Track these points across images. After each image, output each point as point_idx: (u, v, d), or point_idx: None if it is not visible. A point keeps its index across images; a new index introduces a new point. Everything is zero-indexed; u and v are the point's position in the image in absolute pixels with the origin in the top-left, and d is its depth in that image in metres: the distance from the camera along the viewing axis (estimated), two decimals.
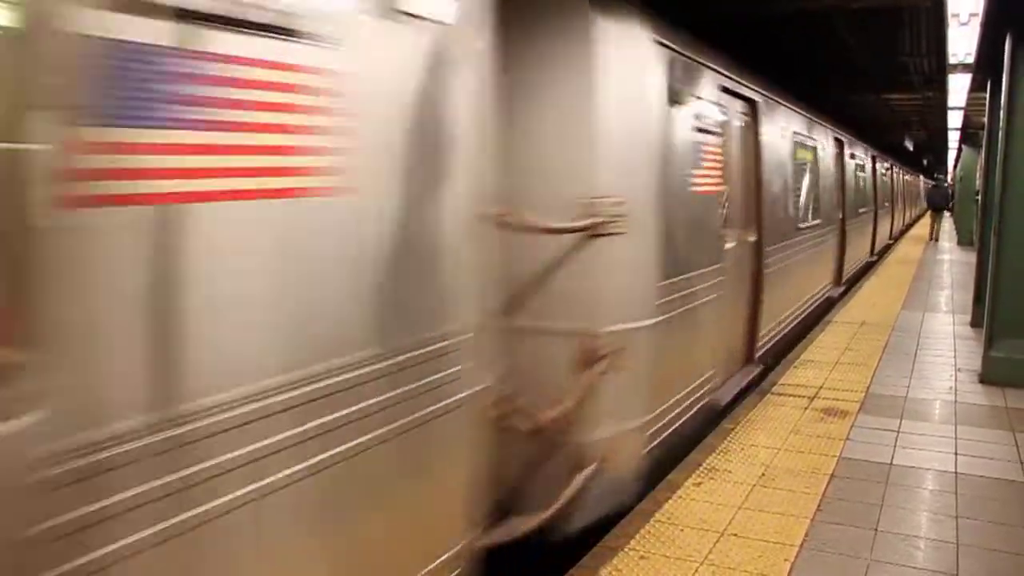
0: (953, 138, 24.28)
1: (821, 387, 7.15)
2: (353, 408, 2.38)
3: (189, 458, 1.87)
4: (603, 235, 4.05)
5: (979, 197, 21.30)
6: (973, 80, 10.80)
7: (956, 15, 6.95)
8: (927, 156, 39.02)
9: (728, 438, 5.77)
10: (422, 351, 2.66)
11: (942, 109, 16.15)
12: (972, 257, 18.74)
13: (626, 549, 4.05)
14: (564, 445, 4.15)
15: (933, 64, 10.56)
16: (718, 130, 6.08)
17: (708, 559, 3.96)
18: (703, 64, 5.76)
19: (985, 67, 9.23)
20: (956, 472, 5.17)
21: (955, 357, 8.41)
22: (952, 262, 18.57)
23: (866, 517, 4.46)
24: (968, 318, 10.29)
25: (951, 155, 33.39)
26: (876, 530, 4.31)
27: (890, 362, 8.14)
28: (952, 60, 9.02)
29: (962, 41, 8.19)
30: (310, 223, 2.21)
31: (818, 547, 4.11)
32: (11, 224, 1.52)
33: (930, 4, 7.63)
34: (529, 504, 3.98)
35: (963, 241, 23.29)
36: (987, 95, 9.78)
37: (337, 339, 2.32)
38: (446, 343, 2.79)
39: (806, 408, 6.52)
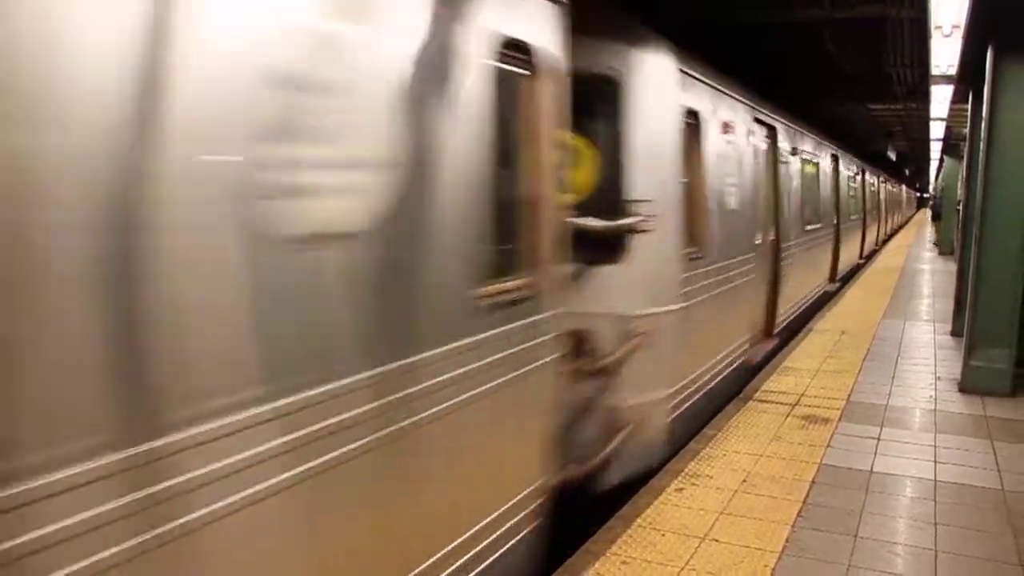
0: (935, 148, 24.51)
1: (803, 394, 7.19)
2: None
3: None
4: None
5: (960, 207, 21.58)
6: (955, 92, 10.91)
7: (939, 27, 7.00)
8: (909, 166, 39.38)
9: (710, 444, 5.79)
10: None
11: (924, 120, 16.31)
12: (954, 266, 18.96)
13: (608, 554, 4.06)
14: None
15: (916, 75, 10.67)
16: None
17: (689, 564, 3.97)
18: None
19: (967, 78, 9.33)
20: (935, 480, 5.20)
21: (935, 366, 8.48)
22: (934, 271, 18.72)
23: (846, 523, 4.49)
24: (949, 327, 10.37)
25: (933, 165, 33.73)
26: (856, 536, 4.33)
27: (871, 370, 8.20)
28: (935, 71, 9.10)
29: (945, 53, 8.26)
30: None
31: (798, 552, 4.13)
32: None
33: (914, 15, 7.71)
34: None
35: (944, 251, 23.49)
36: (969, 106, 9.88)
37: None
38: None
39: (787, 415, 6.55)
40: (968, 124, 10.07)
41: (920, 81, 10.91)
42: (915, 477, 5.26)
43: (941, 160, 27.13)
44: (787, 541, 4.25)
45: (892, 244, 28.36)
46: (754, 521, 4.49)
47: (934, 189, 43.28)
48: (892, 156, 24.82)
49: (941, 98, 11.98)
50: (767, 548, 4.17)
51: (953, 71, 9.02)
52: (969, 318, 7.53)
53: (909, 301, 13.54)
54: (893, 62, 9.99)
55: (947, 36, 7.23)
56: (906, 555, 4.16)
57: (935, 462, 5.54)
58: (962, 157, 22.34)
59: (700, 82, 6.14)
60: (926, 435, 6.14)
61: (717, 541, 4.23)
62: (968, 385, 7.39)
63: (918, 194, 64.81)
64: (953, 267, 17.77)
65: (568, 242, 3.94)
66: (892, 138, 21.98)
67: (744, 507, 4.68)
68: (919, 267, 19.97)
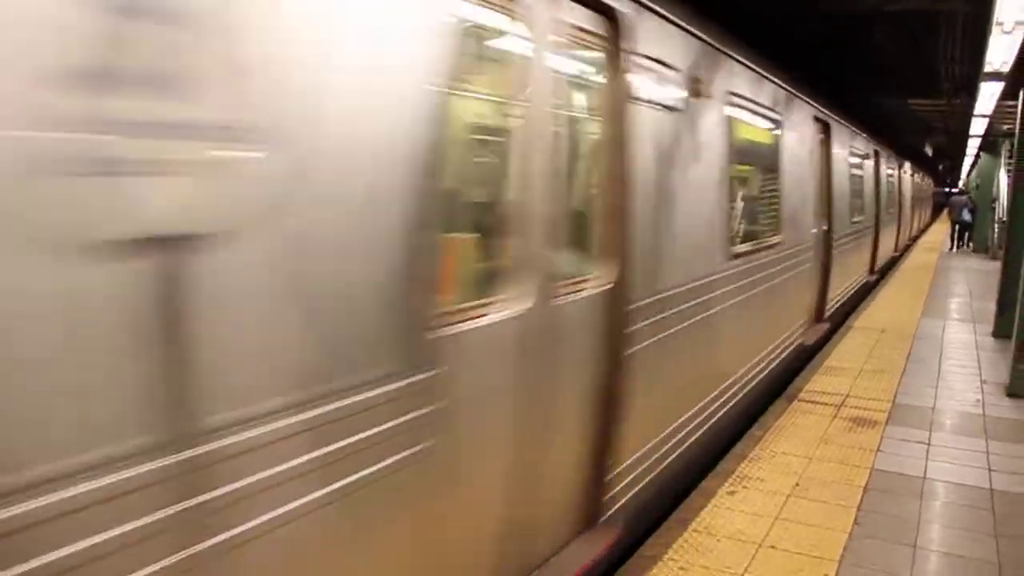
0: (972, 144, 24.09)
1: (847, 395, 7.07)
2: None
3: None
4: None
5: (995, 204, 21.20)
6: (1004, 88, 10.67)
7: (1000, 23, 6.81)
8: (943, 161, 38.81)
9: (758, 445, 5.70)
10: None
11: (966, 115, 15.99)
12: (987, 264, 18.68)
13: (665, 559, 3.99)
14: None
15: (966, 71, 10.43)
16: None
17: (748, 571, 3.90)
18: None
19: (1021, 75, 9.11)
20: (991, 488, 5.09)
21: (979, 369, 8.32)
22: (967, 269, 18.44)
23: (904, 533, 4.40)
24: (989, 328, 10.18)
25: (967, 161, 33.17)
26: (915, 547, 4.24)
27: (914, 371, 8.06)
28: (987, 68, 8.89)
29: (1000, 49, 8.05)
30: None
31: (857, 563, 4.04)
32: None
33: (971, 10, 7.52)
34: None
35: (979, 248, 23.13)
36: (1020, 103, 9.65)
37: None
38: None
39: (834, 416, 6.45)
40: (1018, 121, 9.83)
41: (970, 77, 10.67)
42: (970, 485, 5.14)
43: (977, 155, 26.67)
44: (845, 550, 4.17)
45: (924, 238, 28.03)
46: (810, 528, 4.40)
47: (962, 185, 42.28)
48: (929, 151, 24.42)
49: (988, 95, 11.74)
50: (825, 556, 4.09)
51: (1007, 68, 8.81)
52: (1019, 322, 7.37)
53: (946, 300, 13.33)
54: (944, 57, 9.77)
55: (1007, 33, 7.04)
56: (969, 569, 4.07)
57: (989, 470, 5.42)
58: (999, 154, 21.99)
59: None
60: (977, 441, 6.01)
61: (774, 548, 4.16)
62: (1016, 390, 7.24)
63: (948, 190, 62.73)
64: (988, 265, 17.53)
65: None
66: (930, 133, 21.62)
67: (798, 513, 4.60)
68: (951, 264, 19.70)
